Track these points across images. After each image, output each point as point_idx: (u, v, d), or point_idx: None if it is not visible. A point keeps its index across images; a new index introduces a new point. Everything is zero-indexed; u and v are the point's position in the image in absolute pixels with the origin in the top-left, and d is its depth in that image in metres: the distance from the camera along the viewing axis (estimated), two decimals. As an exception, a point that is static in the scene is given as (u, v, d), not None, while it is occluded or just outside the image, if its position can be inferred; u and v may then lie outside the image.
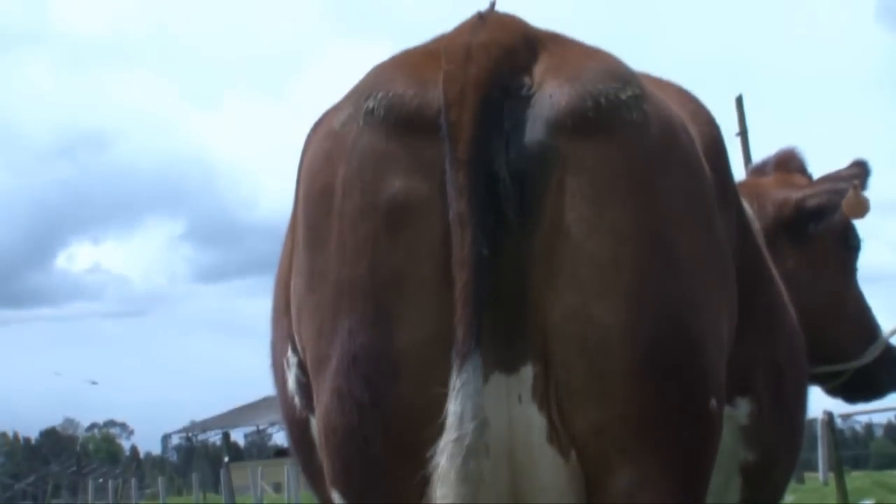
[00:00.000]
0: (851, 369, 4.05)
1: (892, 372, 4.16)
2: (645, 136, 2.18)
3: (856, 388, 4.18)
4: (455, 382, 2.01)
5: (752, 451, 2.80)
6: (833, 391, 4.21)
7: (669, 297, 2.14)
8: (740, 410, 2.74)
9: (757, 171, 4.35)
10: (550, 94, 2.17)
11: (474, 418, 1.99)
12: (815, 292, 3.86)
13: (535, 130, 2.14)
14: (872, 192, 3.98)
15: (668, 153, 2.23)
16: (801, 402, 3.13)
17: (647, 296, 2.11)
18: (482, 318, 2.02)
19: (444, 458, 1.99)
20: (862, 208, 3.85)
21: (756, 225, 3.66)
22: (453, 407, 2.00)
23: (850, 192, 3.84)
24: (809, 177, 4.18)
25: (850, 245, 4.09)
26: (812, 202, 3.93)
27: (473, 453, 1.99)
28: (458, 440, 1.99)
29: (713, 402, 2.21)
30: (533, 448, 2.15)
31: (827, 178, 4.06)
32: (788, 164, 4.22)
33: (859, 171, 4.03)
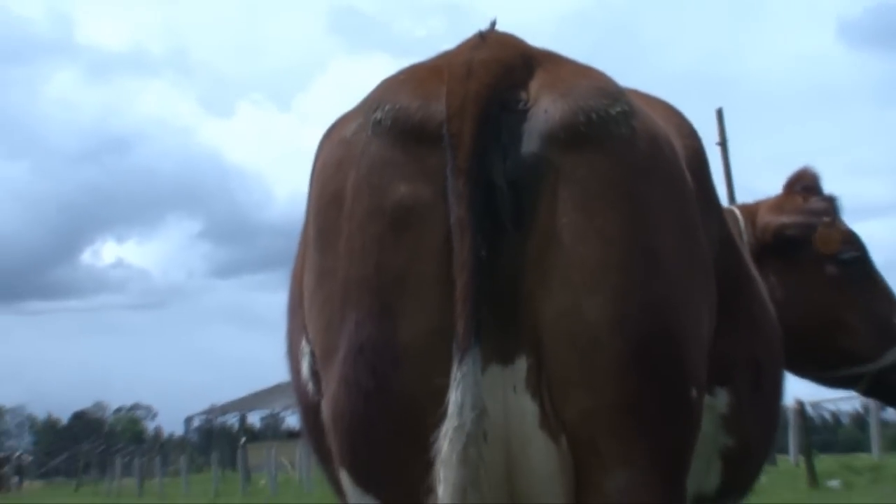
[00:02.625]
0: (871, 372, 3.89)
1: None
2: (632, 149, 2.19)
3: (887, 392, 4.00)
4: (456, 374, 2.01)
5: (731, 437, 2.80)
6: (866, 394, 4.05)
7: (654, 295, 2.14)
8: (720, 400, 2.73)
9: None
10: (545, 109, 2.17)
11: (474, 408, 2.00)
12: (800, 309, 3.77)
13: (530, 142, 2.14)
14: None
15: (654, 165, 2.23)
16: (776, 391, 3.13)
17: (633, 294, 2.12)
18: (481, 315, 2.03)
19: (447, 444, 2.00)
20: (834, 243, 3.80)
21: (745, 237, 3.64)
22: (454, 397, 2.00)
23: (821, 228, 3.80)
24: (819, 194, 4.03)
25: (842, 259, 3.89)
26: (788, 232, 3.88)
27: (473, 440, 1.99)
28: (458, 427, 1.99)
29: (693, 392, 2.21)
30: (526, 433, 2.15)
31: (804, 210, 3.96)
32: (794, 184, 4.10)
33: (829, 207, 3.95)
